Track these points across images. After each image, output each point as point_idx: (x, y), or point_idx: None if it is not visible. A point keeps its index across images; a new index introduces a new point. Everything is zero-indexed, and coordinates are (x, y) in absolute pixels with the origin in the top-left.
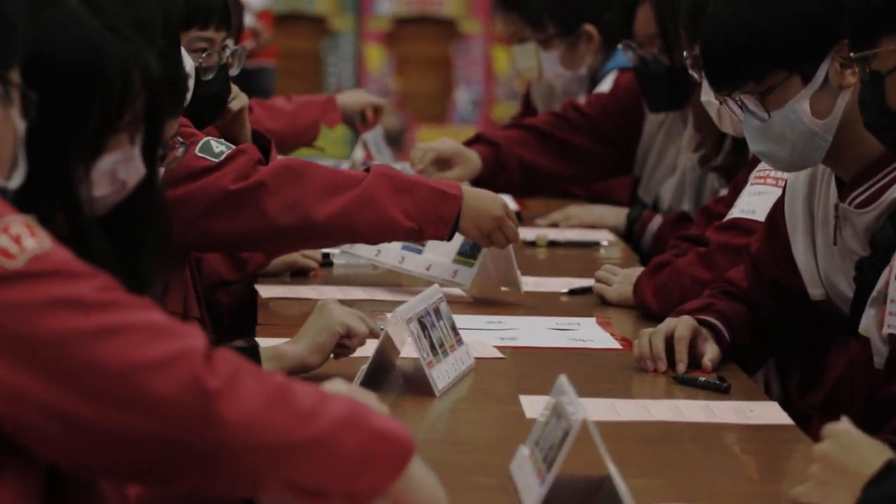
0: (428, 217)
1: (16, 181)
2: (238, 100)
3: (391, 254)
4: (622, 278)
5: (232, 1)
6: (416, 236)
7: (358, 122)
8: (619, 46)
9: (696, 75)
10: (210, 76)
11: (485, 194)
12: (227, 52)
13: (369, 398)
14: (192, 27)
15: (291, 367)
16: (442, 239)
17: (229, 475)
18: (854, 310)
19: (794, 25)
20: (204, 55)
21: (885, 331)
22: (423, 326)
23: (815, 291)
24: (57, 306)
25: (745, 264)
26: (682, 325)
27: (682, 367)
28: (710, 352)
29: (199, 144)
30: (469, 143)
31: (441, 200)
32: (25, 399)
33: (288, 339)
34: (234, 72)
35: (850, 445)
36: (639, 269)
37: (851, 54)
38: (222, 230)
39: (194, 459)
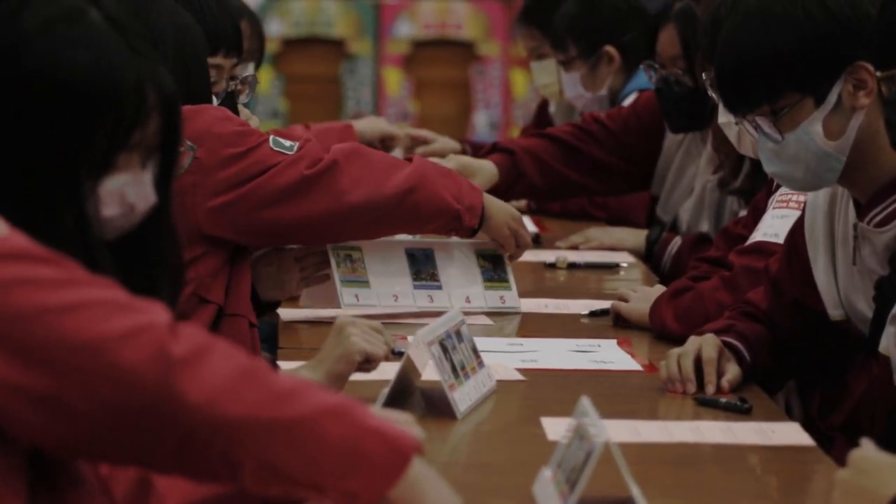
0: (465, 202)
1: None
2: (250, 122)
3: (409, 296)
4: (641, 295)
5: (252, 27)
6: (456, 223)
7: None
8: (641, 67)
9: (715, 96)
10: (215, 103)
11: (498, 200)
12: (238, 79)
13: (404, 417)
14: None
15: None
16: (471, 230)
17: (203, 454)
18: (873, 330)
19: (806, 47)
20: (212, 81)
21: None
22: (444, 349)
23: (835, 312)
24: (19, 285)
25: (764, 285)
26: (708, 346)
27: (710, 388)
28: (731, 373)
29: (270, 140)
30: (484, 154)
31: (470, 190)
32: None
33: (305, 363)
34: (243, 99)
35: (870, 469)
36: (658, 288)
37: (877, 73)
38: (294, 215)
39: (164, 433)
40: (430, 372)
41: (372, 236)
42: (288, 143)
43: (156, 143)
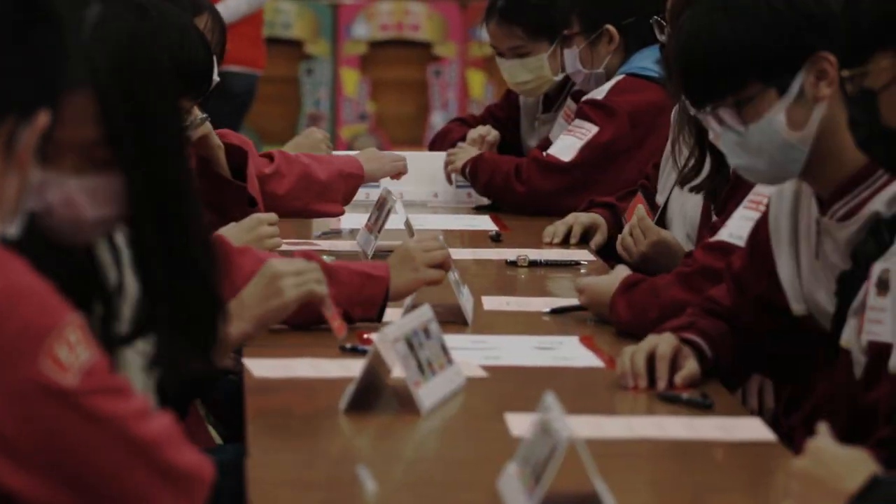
0: (352, 301)
1: (14, 228)
2: (201, 129)
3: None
4: (606, 277)
5: (213, 20)
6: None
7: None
8: (641, 50)
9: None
10: None
11: (401, 249)
12: (193, 120)
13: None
14: None
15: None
16: (371, 320)
17: None
18: (835, 324)
19: (769, 37)
20: None
21: (864, 337)
22: (410, 346)
23: (797, 307)
24: (103, 431)
25: (726, 282)
26: (664, 343)
27: (661, 384)
28: (687, 369)
29: None
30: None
31: (368, 282)
32: None
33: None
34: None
35: (828, 461)
36: (621, 268)
37: (843, 72)
38: None
39: None
40: (400, 369)
41: None
42: None
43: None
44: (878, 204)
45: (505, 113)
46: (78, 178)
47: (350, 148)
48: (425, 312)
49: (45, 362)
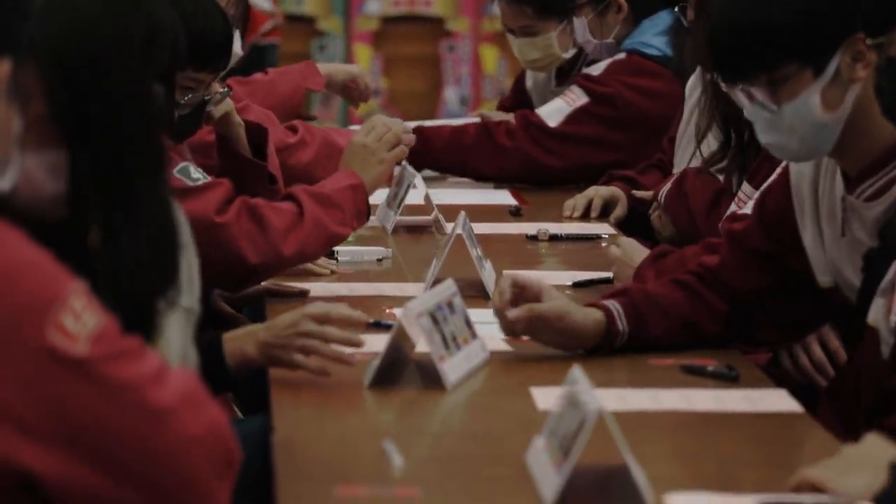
0: (352, 215)
1: (6, 181)
2: (222, 105)
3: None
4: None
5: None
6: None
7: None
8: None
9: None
10: (185, 112)
11: (356, 147)
12: (213, 94)
13: None
14: (188, 67)
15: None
16: (362, 224)
17: None
18: (861, 299)
19: (807, 18)
20: (189, 95)
21: (893, 318)
22: (434, 321)
23: (824, 279)
24: (117, 399)
25: (724, 245)
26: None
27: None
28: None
29: (178, 167)
30: None
31: (352, 198)
32: (80, 489)
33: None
34: (212, 109)
35: (880, 445)
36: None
37: (868, 41)
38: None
39: None
40: (424, 343)
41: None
42: (195, 174)
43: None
44: None
45: (513, 102)
46: (36, 154)
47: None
48: (449, 287)
49: (52, 333)
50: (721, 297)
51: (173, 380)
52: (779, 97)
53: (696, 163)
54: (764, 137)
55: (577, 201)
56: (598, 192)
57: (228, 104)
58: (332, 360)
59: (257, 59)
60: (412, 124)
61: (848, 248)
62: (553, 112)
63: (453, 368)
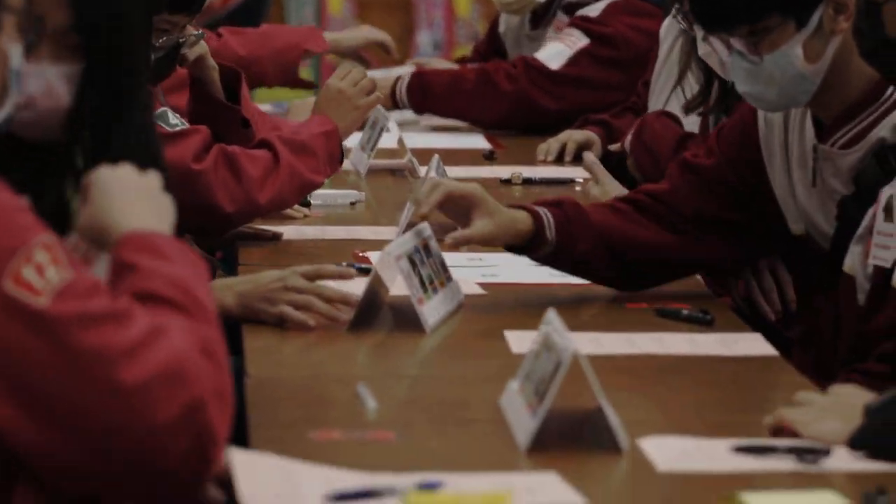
0: (325, 162)
1: (4, 112)
2: (197, 47)
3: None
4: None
5: None
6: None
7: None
8: None
9: (684, 24)
10: (160, 54)
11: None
12: (188, 37)
13: None
14: (163, 9)
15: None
16: (336, 171)
17: None
18: (834, 246)
19: None
20: (163, 37)
21: (871, 261)
22: (412, 264)
23: (796, 226)
24: (77, 364)
25: (673, 170)
26: (464, 185)
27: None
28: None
29: (156, 113)
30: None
31: (325, 144)
32: (27, 444)
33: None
34: (187, 51)
35: (855, 393)
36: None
37: None
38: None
39: None
40: (398, 287)
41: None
42: (173, 120)
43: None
44: (883, 130)
45: (488, 46)
46: (56, 66)
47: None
48: (425, 230)
49: (8, 284)
50: (663, 226)
51: (155, 353)
52: (760, 48)
53: (671, 106)
54: (742, 87)
55: (550, 145)
56: (571, 137)
57: (203, 47)
58: (324, 318)
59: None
60: (405, 69)
61: (819, 196)
62: (554, 55)
63: (431, 311)
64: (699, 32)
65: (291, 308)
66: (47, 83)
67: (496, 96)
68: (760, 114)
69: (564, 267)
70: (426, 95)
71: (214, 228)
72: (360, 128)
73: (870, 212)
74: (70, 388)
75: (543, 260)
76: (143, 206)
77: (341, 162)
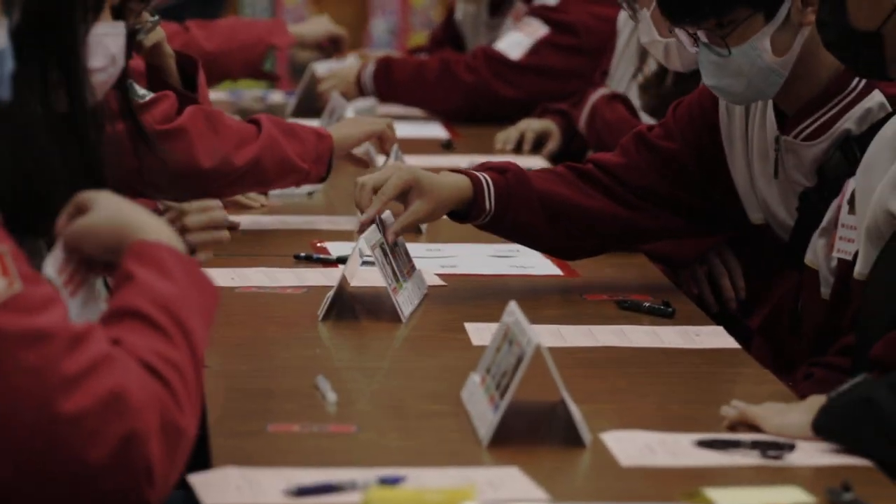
0: (311, 157)
1: None
2: (153, 34)
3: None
4: None
5: None
6: (304, 179)
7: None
8: None
9: (630, 13)
10: None
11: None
12: (144, 24)
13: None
14: None
15: None
16: (320, 180)
17: None
18: (794, 237)
19: None
20: None
21: (834, 254)
22: (384, 253)
23: (755, 216)
24: (12, 382)
25: (628, 143)
26: (395, 177)
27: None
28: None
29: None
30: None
31: (317, 141)
32: None
33: None
34: (143, 38)
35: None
36: None
37: None
38: (136, 165)
39: None
40: (363, 278)
41: (223, 196)
42: (140, 91)
43: None
44: (848, 122)
45: (444, 34)
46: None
47: (292, 60)
48: (389, 219)
49: None
50: (611, 198)
51: (98, 383)
52: (729, 41)
53: (631, 96)
54: (709, 80)
55: (509, 134)
56: (530, 126)
57: (159, 33)
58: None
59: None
60: (349, 60)
61: (781, 188)
62: (513, 45)
63: (405, 301)
64: (643, 20)
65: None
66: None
67: (457, 87)
68: (721, 107)
69: (504, 234)
70: (390, 84)
71: (192, 187)
72: (318, 115)
73: (834, 204)
74: (2, 406)
75: (484, 227)
76: (156, 219)
77: (328, 172)
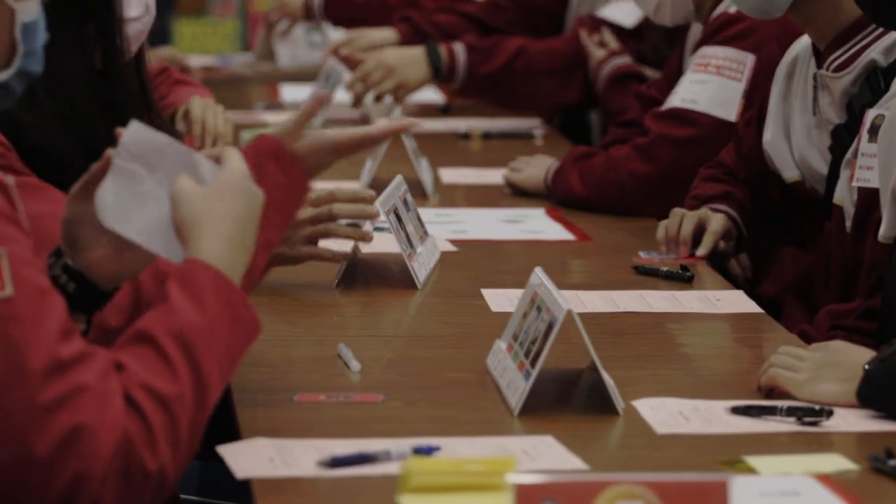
0: None
1: (12, 70)
2: None
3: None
4: (535, 162)
5: None
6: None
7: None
8: None
9: None
10: None
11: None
12: None
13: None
14: None
15: None
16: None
17: None
18: (829, 184)
19: None
20: None
21: (855, 184)
22: (398, 219)
23: (789, 173)
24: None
25: (733, 140)
26: (717, 221)
27: (702, 251)
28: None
29: None
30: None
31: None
32: None
33: None
34: None
35: (846, 349)
36: (548, 159)
37: None
38: None
39: None
40: (374, 244)
41: None
42: None
43: None
44: (874, 53)
45: None
46: None
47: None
48: (401, 184)
49: None
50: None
51: (64, 416)
52: None
53: None
54: None
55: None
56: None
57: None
58: (350, 240)
59: None
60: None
61: (816, 132)
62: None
63: (420, 267)
64: None
65: (309, 246)
66: None
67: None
68: (777, 74)
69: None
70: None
71: None
72: (314, 80)
73: (857, 137)
74: None
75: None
76: (221, 229)
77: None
